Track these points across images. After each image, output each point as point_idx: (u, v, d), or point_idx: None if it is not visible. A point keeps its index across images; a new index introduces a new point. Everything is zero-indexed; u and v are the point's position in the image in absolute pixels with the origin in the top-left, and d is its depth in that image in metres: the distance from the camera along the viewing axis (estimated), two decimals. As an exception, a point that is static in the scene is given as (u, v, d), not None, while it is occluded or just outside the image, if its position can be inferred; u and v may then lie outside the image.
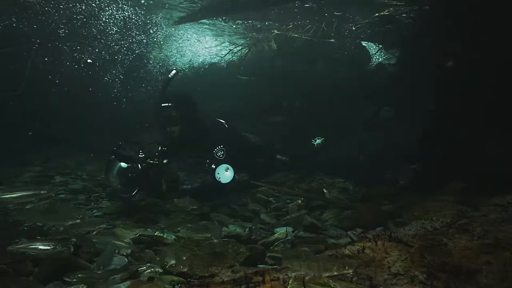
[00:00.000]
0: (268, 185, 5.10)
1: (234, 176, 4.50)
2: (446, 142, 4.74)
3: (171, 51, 11.52)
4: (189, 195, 4.17)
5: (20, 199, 2.79)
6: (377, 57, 9.85)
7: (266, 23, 9.31)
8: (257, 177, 5.18)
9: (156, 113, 4.70)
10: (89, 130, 8.86)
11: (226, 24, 9.90)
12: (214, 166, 4.49)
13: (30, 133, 7.31)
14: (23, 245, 2.39)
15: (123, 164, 4.36)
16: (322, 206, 4.26)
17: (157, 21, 9.60)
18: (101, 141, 8.05)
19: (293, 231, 3.49)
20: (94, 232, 3.21)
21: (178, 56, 11.68)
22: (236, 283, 2.02)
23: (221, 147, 4.60)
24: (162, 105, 4.62)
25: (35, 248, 2.39)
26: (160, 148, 4.70)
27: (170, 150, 4.72)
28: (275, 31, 9.15)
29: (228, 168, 4.48)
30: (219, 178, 4.45)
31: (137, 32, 9.92)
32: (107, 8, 8.59)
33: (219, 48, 11.06)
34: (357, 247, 2.32)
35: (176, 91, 4.92)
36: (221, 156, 4.57)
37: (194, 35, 10.91)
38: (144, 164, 4.41)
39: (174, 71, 4.84)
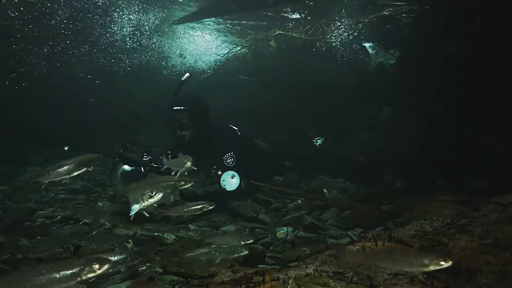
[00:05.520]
0: (269, 185, 5.08)
1: (240, 184, 4.35)
2: (445, 142, 4.74)
3: (172, 51, 11.49)
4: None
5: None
6: (377, 57, 9.85)
7: (265, 23, 9.29)
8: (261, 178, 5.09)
9: (167, 116, 4.58)
10: (88, 130, 8.85)
11: (226, 24, 9.89)
12: (220, 173, 4.36)
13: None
14: None
15: (126, 167, 4.29)
16: (322, 206, 4.26)
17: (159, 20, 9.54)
18: (100, 141, 8.05)
19: (293, 231, 3.48)
20: (94, 232, 3.21)
21: (179, 56, 11.66)
22: (236, 283, 2.02)
23: (231, 154, 4.46)
24: (174, 108, 4.50)
25: None
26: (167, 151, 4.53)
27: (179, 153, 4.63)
28: (276, 30, 9.14)
29: (234, 175, 4.32)
30: (224, 185, 4.30)
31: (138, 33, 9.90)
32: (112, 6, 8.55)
33: (219, 47, 11.04)
34: (357, 247, 2.31)
35: (188, 95, 4.77)
36: (230, 163, 4.44)
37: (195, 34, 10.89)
38: (147, 168, 4.30)
39: (187, 74, 4.67)
